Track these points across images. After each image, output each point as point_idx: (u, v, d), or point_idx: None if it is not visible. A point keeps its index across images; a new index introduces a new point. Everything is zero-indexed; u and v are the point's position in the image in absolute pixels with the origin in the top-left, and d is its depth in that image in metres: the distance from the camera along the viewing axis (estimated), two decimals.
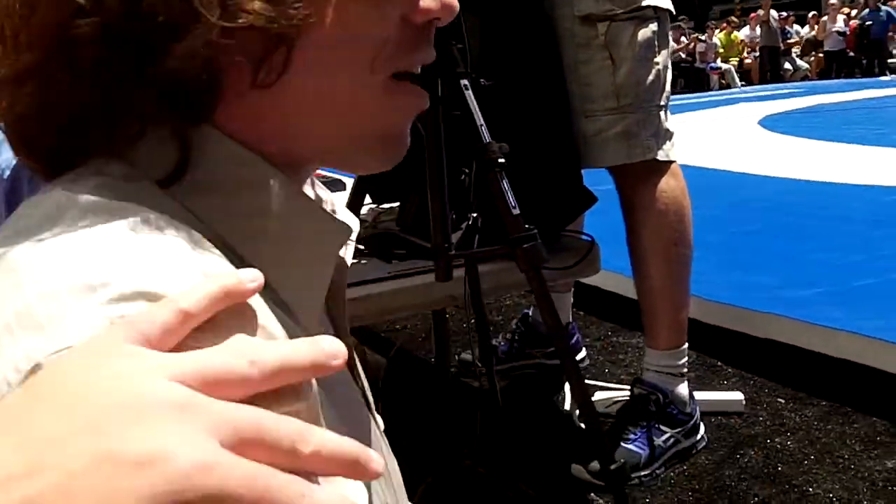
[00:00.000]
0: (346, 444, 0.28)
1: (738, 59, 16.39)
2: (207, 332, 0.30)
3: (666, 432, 1.71)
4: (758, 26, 16.02)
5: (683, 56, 15.85)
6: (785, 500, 1.58)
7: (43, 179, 0.40)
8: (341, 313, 0.51)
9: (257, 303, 0.34)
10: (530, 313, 2.21)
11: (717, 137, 6.96)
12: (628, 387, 1.83)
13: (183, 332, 0.30)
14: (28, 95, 0.38)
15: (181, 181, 0.38)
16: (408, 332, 2.58)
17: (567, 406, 1.98)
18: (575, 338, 2.19)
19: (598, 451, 1.44)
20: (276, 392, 0.29)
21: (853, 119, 7.60)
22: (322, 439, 0.28)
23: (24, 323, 0.31)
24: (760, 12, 15.88)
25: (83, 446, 0.25)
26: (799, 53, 16.90)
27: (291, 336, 0.36)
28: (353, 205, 1.57)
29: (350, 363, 0.51)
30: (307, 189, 0.47)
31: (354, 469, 0.28)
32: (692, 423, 1.75)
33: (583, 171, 1.75)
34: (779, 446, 1.76)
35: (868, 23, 15.26)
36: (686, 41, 16.03)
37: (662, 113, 1.73)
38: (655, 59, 1.70)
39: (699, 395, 1.86)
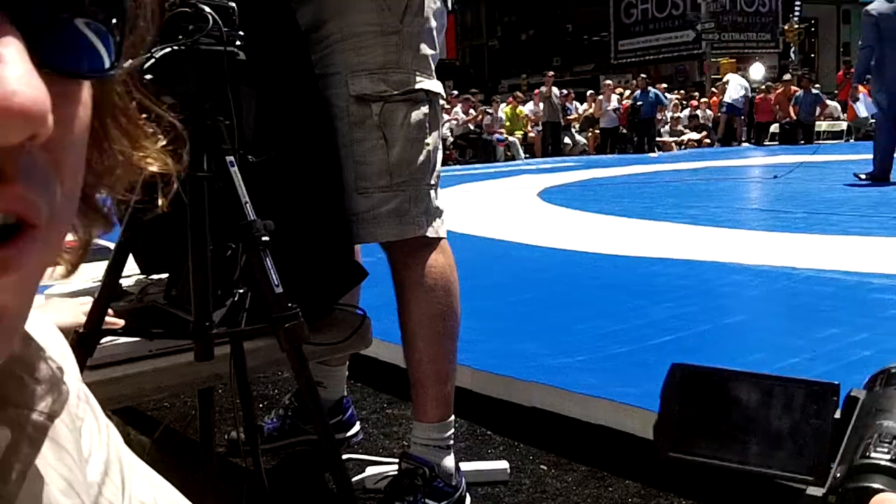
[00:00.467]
0: None
1: (522, 132, 17.41)
2: None
3: None
4: (541, 102, 17.15)
5: (472, 127, 16.62)
6: None
7: None
8: None
9: None
10: None
11: (501, 208, 7.34)
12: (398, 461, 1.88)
13: None
14: None
15: None
16: (178, 410, 2.50)
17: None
18: (349, 412, 2.22)
19: None
20: None
21: (623, 193, 8.29)
22: None
23: None
24: (543, 89, 17.03)
25: None
26: (578, 129, 18.24)
27: None
28: (112, 273, 1.51)
29: None
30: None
31: None
32: (458, 495, 1.82)
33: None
34: None
35: (639, 103, 16.77)
36: (475, 113, 16.84)
37: (433, 191, 1.83)
38: (427, 140, 1.79)
39: (465, 466, 1.94)
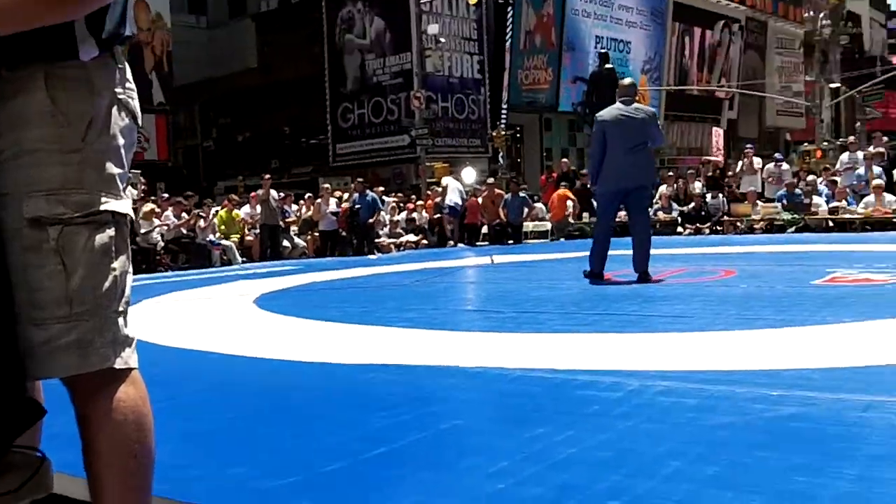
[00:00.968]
0: None
1: (239, 235, 17.22)
2: None
3: None
4: (258, 205, 17.12)
5: (185, 231, 16.18)
6: None
7: None
8: None
9: None
10: None
11: (213, 317, 7.14)
12: None
13: None
14: None
15: None
16: None
17: None
18: None
19: None
20: None
21: (343, 297, 8.41)
22: None
23: None
24: (261, 191, 17.03)
25: None
26: (297, 231, 18.38)
27: None
28: None
29: None
30: None
31: None
32: None
33: None
34: None
35: (357, 206, 17.29)
36: (188, 217, 16.42)
37: (121, 319, 1.73)
38: (113, 265, 1.70)
39: None
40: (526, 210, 18.62)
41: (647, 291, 7.26)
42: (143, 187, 17.29)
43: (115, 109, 1.74)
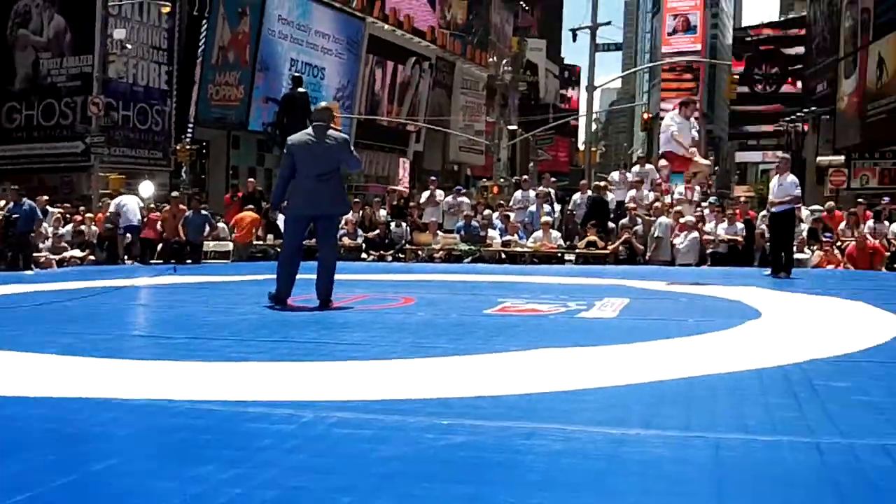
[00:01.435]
0: None
1: None
2: None
3: None
4: None
5: None
6: None
7: None
8: None
9: None
10: None
11: None
12: None
13: None
14: None
15: None
16: None
17: None
18: None
19: None
20: None
21: None
22: None
23: None
24: None
25: None
26: None
27: None
28: None
29: None
30: None
31: None
32: None
33: None
34: None
35: (15, 216, 15.72)
36: None
37: None
38: None
39: None
40: (208, 228, 18.03)
41: (328, 318, 7.27)
42: None
43: None
